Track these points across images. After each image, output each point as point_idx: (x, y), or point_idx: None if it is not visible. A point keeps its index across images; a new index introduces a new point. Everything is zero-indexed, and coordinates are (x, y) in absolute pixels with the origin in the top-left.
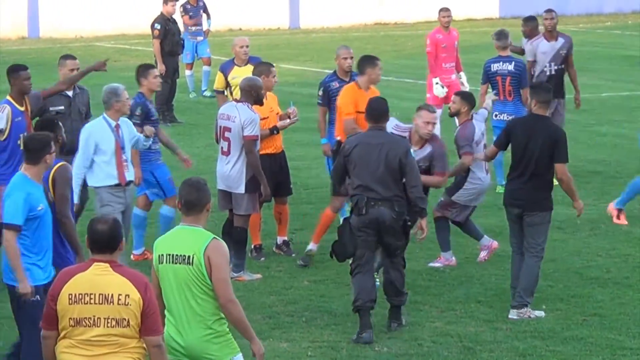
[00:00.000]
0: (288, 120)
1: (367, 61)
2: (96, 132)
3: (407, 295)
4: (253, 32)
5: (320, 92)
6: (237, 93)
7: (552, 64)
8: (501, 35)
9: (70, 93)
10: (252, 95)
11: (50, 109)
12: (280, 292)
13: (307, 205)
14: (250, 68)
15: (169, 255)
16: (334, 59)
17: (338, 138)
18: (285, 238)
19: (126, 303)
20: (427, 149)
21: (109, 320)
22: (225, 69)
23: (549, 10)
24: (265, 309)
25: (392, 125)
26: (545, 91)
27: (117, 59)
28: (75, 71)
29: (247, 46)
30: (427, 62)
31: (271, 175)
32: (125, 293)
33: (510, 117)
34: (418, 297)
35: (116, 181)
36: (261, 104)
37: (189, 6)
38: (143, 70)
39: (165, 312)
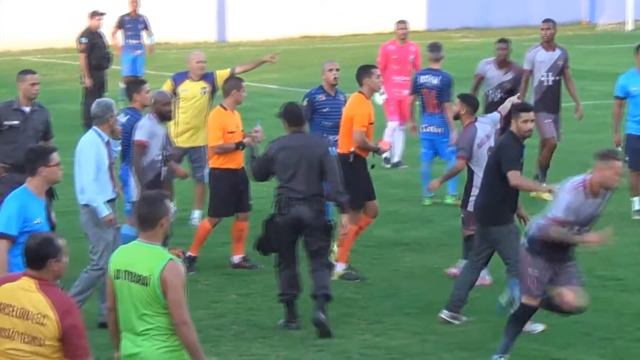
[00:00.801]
0: (253, 136)
1: (363, 71)
2: (97, 147)
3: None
4: (180, 45)
5: (305, 103)
6: (183, 106)
7: (550, 74)
8: (434, 47)
9: (27, 109)
10: (155, 108)
11: (5, 123)
12: (208, 306)
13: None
14: (201, 84)
15: (126, 272)
16: (320, 74)
17: (352, 149)
18: (243, 255)
19: (42, 323)
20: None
21: (25, 336)
22: (177, 80)
23: (547, 20)
24: (193, 323)
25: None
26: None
27: (45, 73)
28: (36, 86)
29: (204, 61)
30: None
31: (231, 191)
32: (43, 313)
33: (438, 130)
34: (346, 309)
35: (113, 195)
36: (165, 119)
37: (127, 18)
38: (136, 85)
39: (120, 323)
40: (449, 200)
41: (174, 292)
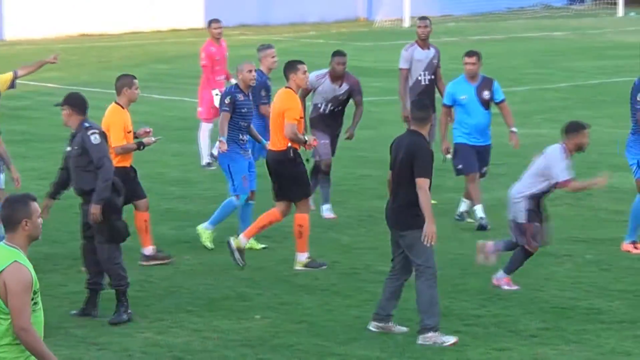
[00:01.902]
0: (153, 138)
1: (289, 67)
2: None
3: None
4: None
5: (227, 100)
6: None
7: (426, 72)
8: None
9: None
10: None
11: None
12: None
13: None
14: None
15: None
16: (237, 74)
17: (289, 144)
18: (153, 246)
19: None
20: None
21: None
22: None
23: (423, 18)
24: None
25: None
26: (418, 109)
27: None
28: None
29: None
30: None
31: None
32: None
33: None
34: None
35: None
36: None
37: None
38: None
39: None
40: None
41: (12, 297)
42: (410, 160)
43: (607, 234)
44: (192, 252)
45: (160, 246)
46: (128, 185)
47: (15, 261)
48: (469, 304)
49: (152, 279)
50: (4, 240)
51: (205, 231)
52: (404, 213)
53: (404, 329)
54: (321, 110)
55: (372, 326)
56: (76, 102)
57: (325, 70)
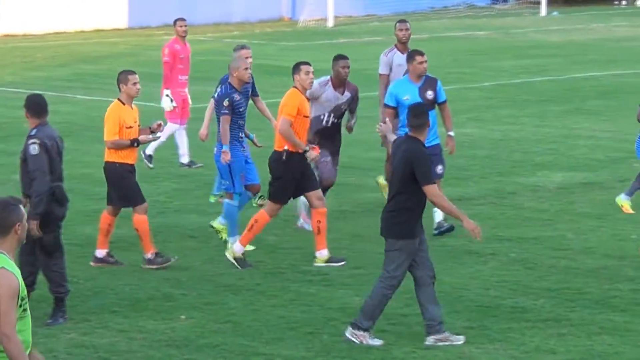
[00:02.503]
0: (151, 136)
1: (293, 69)
2: None
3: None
4: None
5: (226, 103)
6: None
7: None
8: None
9: None
10: None
11: None
12: None
13: None
14: None
15: None
16: (230, 72)
17: (286, 147)
18: (108, 250)
19: None
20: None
21: None
22: None
23: (403, 21)
24: None
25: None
26: (415, 115)
27: None
28: None
29: None
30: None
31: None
32: None
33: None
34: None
35: None
36: None
37: None
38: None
39: None
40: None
41: None
42: (406, 167)
43: (531, 232)
44: (116, 252)
45: (86, 247)
46: (125, 185)
47: (2, 267)
48: (395, 302)
49: (77, 279)
50: None
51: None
52: (391, 220)
53: (461, 337)
54: (324, 122)
55: (429, 341)
56: (30, 105)
57: (327, 77)
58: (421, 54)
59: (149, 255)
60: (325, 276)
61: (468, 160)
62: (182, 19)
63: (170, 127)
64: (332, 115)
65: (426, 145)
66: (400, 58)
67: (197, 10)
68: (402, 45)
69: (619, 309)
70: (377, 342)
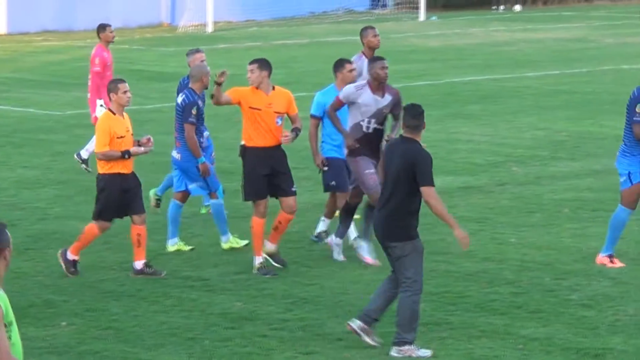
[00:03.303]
0: (142, 149)
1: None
2: None
3: None
4: None
5: (194, 111)
6: None
7: None
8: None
9: None
10: None
11: None
12: None
13: None
14: None
15: None
16: (198, 79)
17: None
18: (145, 260)
19: None
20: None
21: None
22: None
23: (372, 27)
24: None
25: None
26: (412, 116)
27: None
28: None
29: None
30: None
31: (122, 195)
32: None
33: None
34: None
35: None
36: None
37: None
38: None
39: None
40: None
41: None
42: (408, 168)
43: None
44: None
45: None
46: (124, 195)
47: None
48: (275, 307)
49: None
50: None
51: (231, 242)
52: (394, 223)
53: (379, 341)
54: (364, 128)
55: (355, 324)
56: None
57: (363, 81)
58: (349, 62)
59: (70, 256)
60: (206, 282)
61: None
62: (109, 25)
63: None
64: (372, 120)
65: (331, 156)
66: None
67: (76, 16)
68: (370, 50)
69: (498, 312)
70: (427, 352)
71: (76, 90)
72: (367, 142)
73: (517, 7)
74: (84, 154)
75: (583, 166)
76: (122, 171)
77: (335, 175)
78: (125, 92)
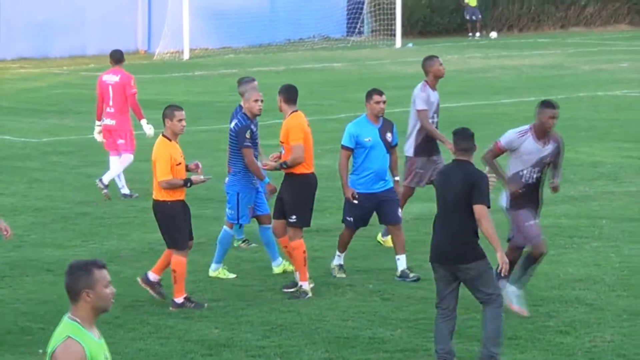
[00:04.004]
0: (202, 177)
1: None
2: None
3: None
4: None
5: (248, 135)
6: None
7: (435, 115)
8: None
9: None
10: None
11: None
12: None
13: None
14: None
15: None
16: (247, 101)
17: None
18: (160, 277)
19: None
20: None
21: None
22: None
23: (437, 57)
24: None
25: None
26: (463, 139)
27: None
28: None
29: None
30: None
31: (186, 222)
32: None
33: None
34: None
35: None
36: None
37: None
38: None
39: None
40: None
41: None
42: (469, 190)
43: (388, 263)
44: None
45: None
46: (176, 221)
47: (68, 337)
48: (253, 335)
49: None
50: (68, 313)
51: (219, 272)
52: (465, 246)
53: None
54: (524, 179)
55: None
56: None
57: (526, 126)
58: (379, 93)
59: (179, 300)
60: (183, 309)
61: (325, 191)
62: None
63: (126, 158)
64: (534, 170)
65: (381, 190)
66: (434, 95)
67: (53, 43)
68: (436, 80)
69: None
70: None
71: (52, 118)
72: (527, 192)
73: (493, 34)
74: (106, 179)
75: (559, 193)
76: (182, 198)
77: (355, 213)
78: (180, 120)
